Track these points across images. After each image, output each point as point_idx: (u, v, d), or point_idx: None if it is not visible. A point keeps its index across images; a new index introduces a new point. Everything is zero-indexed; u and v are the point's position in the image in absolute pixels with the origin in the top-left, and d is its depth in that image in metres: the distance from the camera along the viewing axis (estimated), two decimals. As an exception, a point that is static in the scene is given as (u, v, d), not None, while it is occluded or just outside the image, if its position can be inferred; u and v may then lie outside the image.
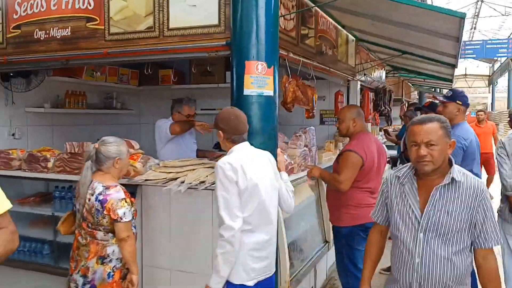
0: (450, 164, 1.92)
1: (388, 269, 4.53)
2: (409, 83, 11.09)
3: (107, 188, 2.43)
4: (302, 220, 3.74)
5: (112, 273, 2.44)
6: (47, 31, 3.40)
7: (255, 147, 2.67)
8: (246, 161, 2.27)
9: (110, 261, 2.45)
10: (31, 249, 3.63)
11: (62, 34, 3.35)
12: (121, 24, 3.15)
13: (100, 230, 2.45)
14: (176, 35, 2.99)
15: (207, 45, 2.90)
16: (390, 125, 7.25)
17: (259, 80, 2.67)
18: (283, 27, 3.15)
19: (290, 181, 3.27)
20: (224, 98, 4.12)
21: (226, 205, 2.17)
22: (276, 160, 2.57)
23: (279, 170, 2.60)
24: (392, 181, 2.05)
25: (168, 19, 3.00)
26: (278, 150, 2.75)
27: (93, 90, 5.56)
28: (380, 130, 7.16)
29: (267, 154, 2.44)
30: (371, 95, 6.07)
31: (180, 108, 4.22)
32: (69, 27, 3.32)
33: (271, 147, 2.75)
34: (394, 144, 6.52)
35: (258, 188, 2.25)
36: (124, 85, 5.76)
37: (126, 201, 2.43)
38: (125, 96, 6.10)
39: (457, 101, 3.26)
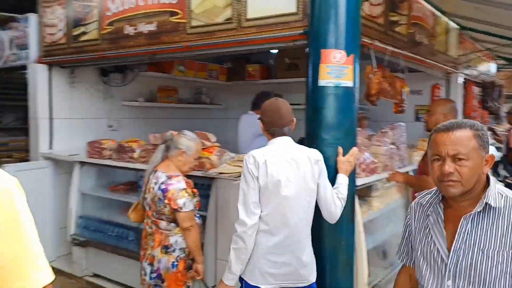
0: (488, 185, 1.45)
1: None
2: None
3: (169, 177, 2.46)
4: (388, 225, 3.42)
5: (176, 263, 2.45)
6: (136, 27, 3.54)
7: (330, 142, 2.49)
8: (273, 157, 2.11)
9: (174, 251, 2.47)
10: (118, 235, 3.85)
11: (148, 29, 3.47)
12: (202, 17, 3.16)
13: (163, 219, 2.48)
14: (253, 26, 2.91)
15: (284, 34, 2.77)
16: (500, 124, 6.40)
17: (336, 69, 2.46)
18: (368, 13, 2.88)
19: (373, 181, 3.03)
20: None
21: (244, 199, 2.10)
22: (333, 160, 2.37)
23: (338, 171, 2.41)
24: (416, 210, 1.61)
25: (246, 9, 2.93)
26: (340, 149, 2.47)
27: (184, 85, 5.77)
28: (488, 129, 6.36)
29: (308, 153, 2.21)
30: (476, 90, 5.40)
31: None
32: (155, 21, 3.42)
33: (349, 143, 2.53)
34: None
35: (281, 187, 2.08)
36: (213, 80, 5.88)
37: (186, 191, 2.43)
38: (214, 91, 6.23)
39: None
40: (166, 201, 2.41)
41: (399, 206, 3.48)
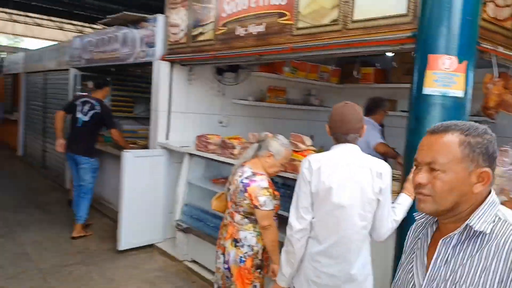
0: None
1: None
2: None
3: (254, 174, 2.51)
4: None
5: (243, 259, 2.48)
6: (246, 28, 3.66)
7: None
8: (328, 163, 2.00)
9: (242, 246, 2.51)
10: (216, 226, 4.03)
11: (257, 30, 3.55)
12: (308, 18, 3.13)
13: (239, 212, 2.52)
14: (359, 28, 2.78)
15: (391, 37, 2.59)
16: None
17: (444, 77, 2.22)
18: (493, 16, 2.54)
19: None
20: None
21: (295, 203, 2.08)
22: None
23: (402, 190, 2.22)
24: (409, 234, 1.34)
25: (352, 10, 2.81)
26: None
27: (293, 86, 5.80)
28: None
29: (372, 164, 2.02)
30: None
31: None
32: (264, 23, 3.49)
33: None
34: None
35: (331, 194, 1.96)
36: (324, 82, 5.80)
37: (268, 191, 2.45)
38: (324, 93, 6.15)
39: None
40: (246, 194, 2.47)
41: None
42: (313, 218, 2.07)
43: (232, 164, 3.77)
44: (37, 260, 4.26)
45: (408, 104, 2.42)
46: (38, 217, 5.65)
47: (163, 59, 4.75)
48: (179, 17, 4.55)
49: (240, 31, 3.73)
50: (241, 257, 2.51)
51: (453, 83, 2.22)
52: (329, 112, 6.25)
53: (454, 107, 2.25)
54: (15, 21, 20.93)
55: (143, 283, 3.92)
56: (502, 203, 2.65)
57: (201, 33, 4.23)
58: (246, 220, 2.55)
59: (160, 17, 4.81)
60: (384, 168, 2.04)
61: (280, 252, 2.25)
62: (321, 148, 6.19)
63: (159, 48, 4.81)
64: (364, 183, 1.99)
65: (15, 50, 15.60)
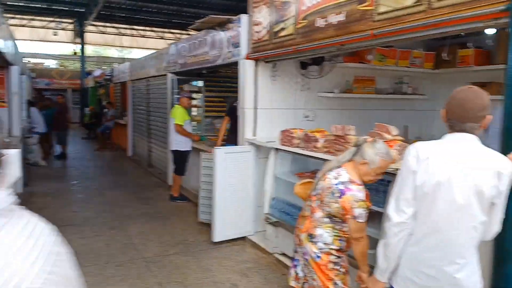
0: None
1: None
2: None
3: (351, 182, 2.41)
4: None
5: (319, 255, 2.43)
6: (326, 19, 3.60)
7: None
8: (440, 153, 1.79)
9: (317, 242, 2.45)
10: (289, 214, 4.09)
11: (337, 20, 3.47)
12: (390, 1, 2.97)
13: (323, 210, 2.47)
14: (445, 6, 2.56)
15: (481, 12, 2.35)
16: None
17: (546, 51, 1.96)
18: None
19: None
20: None
21: (396, 193, 1.92)
22: None
23: None
24: None
25: (437, -12, 2.61)
26: None
27: (383, 75, 5.55)
28: None
29: (492, 160, 1.76)
30: None
31: None
32: (344, 11, 3.39)
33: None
34: None
35: (439, 189, 1.75)
36: (416, 68, 5.46)
37: (365, 203, 2.36)
38: (417, 80, 5.78)
39: None
40: (340, 200, 2.40)
41: None
42: (415, 212, 1.91)
43: (315, 158, 3.76)
44: (142, 249, 4.68)
45: (504, 85, 2.17)
46: (143, 211, 6.19)
47: (247, 58, 4.88)
48: (262, 15, 4.63)
49: (320, 22, 3.67)
50: (316, 252, 2.48)
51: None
52: (424, 101, 5.93)
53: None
54: (123, 34, 23.19)
55: (236, 273, 4.08)
56: None
57: (282, 29, 4.25)
58: (327, 219, 2.50)
59: (244, 17, 4.94)
60: (505, 167, 1.78)
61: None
62: (416, 139, 5.84)
63: (243, 48, 4.95)
64: (481, 183, 1.76)
65: (124, 61, 17.27)
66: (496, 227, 1.85)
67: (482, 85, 5.07)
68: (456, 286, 1.83)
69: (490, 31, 4.28)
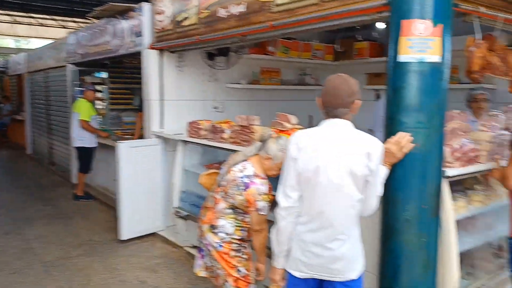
0: None
1: None
2: None
3: (256, 175, 2.44)
4: (493, 227, 2.93)
5: (221, 244, 2.47)
6: (227, 9, 3.59)
7: (410, 127, 2.20)
8: (317, 139, 1.92)
9: (219, 233, 2.49)
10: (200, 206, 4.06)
11: (238, 11, 3.49)
12: (286, -6, 3.05)
13: (226, 201, 2.49)
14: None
15: (367, 6, 2.50)
16: None
17: (419, 43, 2.15)
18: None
19: (472, 173, 2.61)
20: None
21: (283, 180, 2.03)
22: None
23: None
24: None
25: (328, -18, 2.73)
26: (396, 136, 2.18)
27: (287, 66, 5.72)
28: None
29: (363, 141, 1.92)
30: None
31: None
32: (244, 2, 3.41)
33: (433, 127, 2.21)
34: None
35: (319, 173, 1.89)
36: (318, 60, 5.71)
37: (268, 197, 2.41)
38: (319, 72, 6.05)
39: None
40: (245, 193, 2.41)
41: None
42: (301, 196, 2.01)
43: (222, 148, 3.77)
44: (41, 253, 4.34)
45: (386, 75, 2.34)
46: (44, 212, 5.74)
47: (151, 47, 4.72)
48: (164, 4, 4.50)
49: (222, 12, 3.66)
50: (217, 242, 2.49)
51: (428, 48, 2.15)
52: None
53: (431, 73, 2.17)
54: (19, 22, 21.11)
55: (144, 270, 3.96)
56: (492, 170, 2.58)
57: (185, 18, 4.17)
58: (230, 210, 2.52)
59: (145, 6, 4.76)
60: (374, 148, 1.93)
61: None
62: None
63: (146, 37, 4.77)
64: (352, 162, 1.90)
65: (21, 52, 15.80)
66: (372, 203, 2.01)
67: (376, 75, 5.46)
68: (339, 259, 1.97)
69: (380, 25, 4.61)
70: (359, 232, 2.05)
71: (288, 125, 3.11)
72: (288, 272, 2.10)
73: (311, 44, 5.58)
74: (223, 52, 4.99)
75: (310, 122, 5.97)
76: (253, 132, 3.34)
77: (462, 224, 2.79)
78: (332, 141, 1.94)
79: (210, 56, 5.03)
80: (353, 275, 2.00)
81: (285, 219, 2.03)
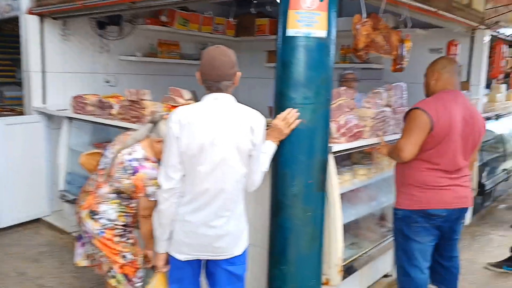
0: None
1: (496, 264, 3.68)
2: None
3: (146, 159, 2.24)
4: (376, 198, 3.13)
5: (102, 230, 2.28)
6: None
7: (298, 103, 2.19)
8: (200, 116, 1.84)
9: (100, 219, 2.29)
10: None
11: (126, -25, 3.19)
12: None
13: (111, 185, 2.28)
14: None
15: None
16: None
17: (307, 17, 2.12)
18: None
19: (356, 148, 2.72)
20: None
21: (164, 161, 1.91)
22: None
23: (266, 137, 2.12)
24: None
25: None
26: (285, 113, 2.18)
27: (187, 40, 5.49)
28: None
29: (246, 116, 1.89)
30: (507, 50, 4.79)
31: None
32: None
33: (320, 103, 2.23)
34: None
35: (203, 151, 1.82)
36: (219, 35, 5.57)
37: (158, 183, 2.23)
38: (221, 47, 5.92)
39: None
40: (133, 178, 2.21)
41: (389, 178, 3.12)
42: (183, 176, 1.90)
43: (111, 126, 3.49)
44: None
45: (276, 49, 2.30)
46: None
47: (30, 12, 4.18)
48: (44, -38, 3.98)
49: (108, -24, 3.33)
50: (98, 229, 2.28)
51: (315, 22, 2.13)
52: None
53: (318, 48, 2.17)
54: None
55: (24, 260, 3.59)
56: (379, 145, 2.68)
57: (68, -20, 3.73)
58: (114, 195, 2.30)
59: (21, -38, 4.18)
60: (256, 122, 1.89)
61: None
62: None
63: (24, 0, 4.21)
64: (238, 138, 1.85)
65: None
66: (256, 178, 1.98)
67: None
68: (224, 237, 1.92)
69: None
70: (243, 207, 2.02)
71: (181, 101, 2.95)
72: (171, 256, 2.00)
73: (213, 18, 5.41)
74: (115, 21, 4.61)
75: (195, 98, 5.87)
76: (143, 108, 3.13)
77: (347, 197, 2.93)
78: (216, 116, 1.85)
79: (101, 25, 4.62)
80: (237, 251, 1.97)
81: (167, 200, 1.91)
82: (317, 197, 2.32)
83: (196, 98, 2.93)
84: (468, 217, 4.68)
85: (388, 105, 2.95)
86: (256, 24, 5.56)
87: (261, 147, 1.97)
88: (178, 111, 1.89)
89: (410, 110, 2.40)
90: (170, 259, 2.03)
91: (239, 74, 1.94)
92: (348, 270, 2.76)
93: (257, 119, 1.90)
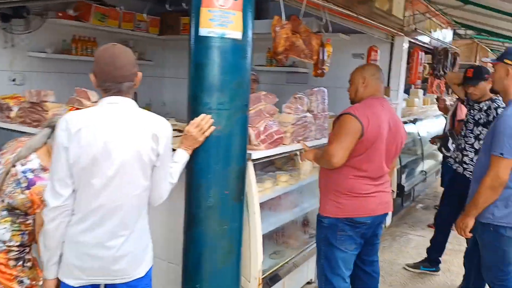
0: None
1: (414, 265, 3.80)
2: (486, 48, 9.47)
3: (43, 169, 1.93)
4: (298, 204, 3.07)
5: None
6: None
7: (212, 108, 2.04)
8: (94, 123, 1.62)
9: None
10: None
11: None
12: None
13: (2, 201, 1.96)
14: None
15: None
16: (449, 93, 6.09)
17: (220, 16, 1.98)
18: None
19: (276, 155, 2.63)
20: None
21: (51, 174, 1.65)
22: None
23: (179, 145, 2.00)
24: None
25: None
26: (198, 119, 2.02)
27: (106, 37, 5.11)
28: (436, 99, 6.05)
29: (149, 123, 1.70)
30: (424, 56, 5.02)
31: None
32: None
33: (236, 108, 2.09)
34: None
35: (97, 163, 1.61)
36: (142, 32, 5.27)
37: None
38: (144, 46, 5.63)
39: (505, 60, 2.32)
40: (27, 191, 1.90)
41: (312, 184, 3.07)
42: (73, 191, 1.66)
43: (9, 130, 3.10)
44: None
45: (188, 49, 2.13)
46: None
47: None
48: None
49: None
50: None
51: (229, 22, 1.99)
52: (152, 67, 5.83)
53: (233, 50, 2.03)
54: None
55: None
56: (304, 152, 2.60)
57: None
58: (5, 212, 1.98)
59: None
60: (161, 129, 1.70)
61: None
62: (147, 106, 5.77)
63: None
64: (141, 148, 1.64)
65: None
66: (161, 191, 1.80)
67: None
68: (121, 258, 1.70)
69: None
70: (147, 223, 1.81)
71: (87, 103, 2.68)
72: (62, 282, 1.75)
73: (134, 14, 5.10)
74: (20, 13, 4.16)
75: (134, 100, 5.55)
76: (45, 111, 2.81)
77: (269, 205, 2.84)
78: (113, 123, 1.63)
79: (4, 17, 4.15)
80: (140, 273, 1.76)
81: (55, 220, 1.64)
82: (234, 208, 2.18)
83: (136, 100, 2.64)
84: (388, 218, 4.83)
85: (309, 111, 2.89)
86: (182, 23, 5.34)
87: (168, 157, 1.79)
88: (67, 116, 1.64)
89: (341, 115, 2.36)
90: (61, 286, 1.78)
91: (140, 74, 1.75)
92: (271, 280, 2.68)
93: (162, 126, 1.71)
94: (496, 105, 3.27)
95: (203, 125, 2.00)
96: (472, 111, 3.48)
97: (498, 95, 2.86)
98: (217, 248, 2.15)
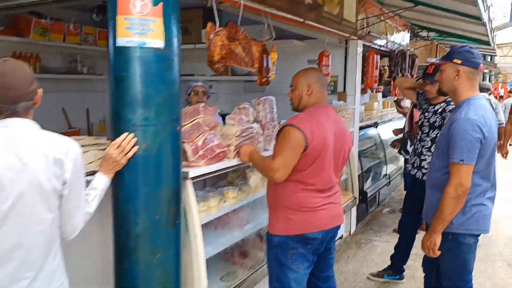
0: None
1: (378, 274, 3.68)
2: (445, 48, 9.61)
3: None
4: (250, 220, 2.89)
5: None
6: None
7: (136, 124, 1.85)
8: None
9: None
10: None
11: None
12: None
13: None
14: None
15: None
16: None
17: (138, 23, 1.80)
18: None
19: (218, 171, 2.45)
20: (200, 61, 3.28)
21: None
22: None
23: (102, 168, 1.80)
24: None
25: None
26: (119, 138, 1.82)
27: (50, 52, 4.85)
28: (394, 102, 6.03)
29: (49, 147, 1.47)
30: (379, 59, 4.97)
31: None
32: None
33: (163, 124, 1.90)
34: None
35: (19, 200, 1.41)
36: (90, 46, 5.02)
37: None
38: (94, 59, 5.37)
39: (454, 60, 2.22)
40: None
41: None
42: None
43: None
44: None
45: (108, 60, 1.94)
46: None
47: None
48: None
49: None
50: None
51: (149, 30, 1.81)
52: (103, 81, 5.56)
53: (156, 61, 1.85)
54: None
55: None
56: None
57: None
58: None
59: None
60: (65, 152, 1.48)
61: None
62: (101, 122, 5.50)
63: None
64: (41, 176, 1.43)
65: None
66: (75, 221, 1.59)
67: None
68: None
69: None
70: (59, 260, 1.59)
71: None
72: None
73: (80, 27, 4.85)
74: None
75: (87, 116, 5.29)
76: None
77: (216, 224, 2.66)
78: (5, 150, 1.42)
79: None
80: None
81: None
82: (168, 234, 1.97)
83: (89, 117, 2.39)
84: (353, 225, 4.72)
85: (257, 121, 2.73)
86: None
87: (80, 183, 1.57)
88: None
89: (283, 127, 2.21)
90: None
91: (40, 91, 1.56)
92: (224, 304, 2.49)
93: (67, 149, 1.50)
94: (452, 108, 3.20)
95: (124, 145, 1.81)
96: (426, 113, 3.41)
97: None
98: (152, 280, 1.94)
